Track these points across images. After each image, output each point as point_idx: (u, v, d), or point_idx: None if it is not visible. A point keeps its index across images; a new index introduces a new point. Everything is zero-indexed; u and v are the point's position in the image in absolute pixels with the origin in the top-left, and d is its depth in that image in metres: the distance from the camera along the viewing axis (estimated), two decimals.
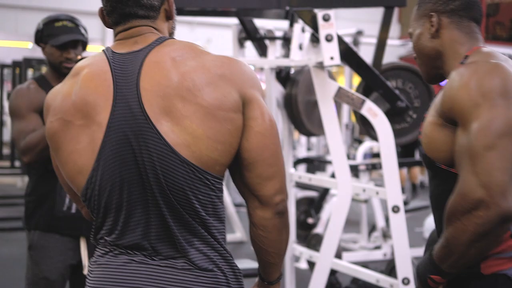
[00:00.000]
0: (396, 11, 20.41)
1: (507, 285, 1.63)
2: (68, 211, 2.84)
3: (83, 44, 2.95)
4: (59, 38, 2.85)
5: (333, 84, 3.76)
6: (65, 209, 2.84)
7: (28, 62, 9.58)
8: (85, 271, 2.89)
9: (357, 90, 3.97)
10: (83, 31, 2.96)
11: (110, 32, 3.70)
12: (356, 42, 7.43)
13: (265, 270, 1.70)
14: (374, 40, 4.07)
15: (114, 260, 1.58)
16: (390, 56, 17.99)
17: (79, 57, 2.83)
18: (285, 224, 1.63)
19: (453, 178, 1.63)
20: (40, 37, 2.91)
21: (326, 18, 3.60)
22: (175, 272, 1.54)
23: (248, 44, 4.94)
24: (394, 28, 19.79)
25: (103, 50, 1.64)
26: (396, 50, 18.42)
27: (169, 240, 1.55)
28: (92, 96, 1.55)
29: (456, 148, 1.60)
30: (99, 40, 15.70)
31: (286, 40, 4.51)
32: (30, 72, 10.03)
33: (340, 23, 16.02)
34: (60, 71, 2.89)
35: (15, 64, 9.92)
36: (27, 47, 15.39)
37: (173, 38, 1.64)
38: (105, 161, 1.53)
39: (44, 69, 10.46)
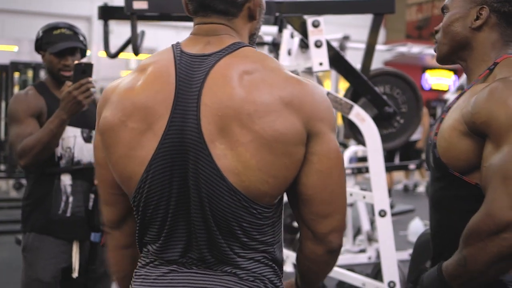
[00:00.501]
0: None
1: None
2: (63, 215, 2.87)
3: (82, 51, 2.97)
4: (57, 46, 2.88)
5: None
6: (60, 212, 2.87)
7: (14, 66, 9.54)
8: (75, 274, 2.93)
9: (345, 95, 4.02)
10: (81, 38, 2.98)
11: (97, 36, 3.72)
12: (342, 47, 7.49)
13: (305, 282, 1.65)
14: (360, 45, 4.13)
15: (154, 271, 1.52)
16: (375, 61, 18.12)
17: (76, 61, 2.85)
18: (335, 260, 1.56)
19: (462, 185, 1.64)
20: (40, 45, 2.95)
21: (315, 25, 3.64)
22: (215, 278, 1.47)
23: None
24: (380, 33, 19.89)
25: (172, 45, 1.53)
26: (382, 55, 18.57)
27: (203, 261, 1.48)
28: (152, 101, 1.44)
29: (484, 165, 1.58)
30: None
31: (275, 46, 4.55)
32: (16, 76, 9.99)
33: (327, 27, 16.08)
34: (58, 79, 2.92)
35: (2, 68, 9.87)
36: (13, 51, 15.36)
37: (250, 46, 1.50)
38: (153, 173, 1.44)
39: (29, 73, 10.44)
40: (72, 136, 2.91)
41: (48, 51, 2.90)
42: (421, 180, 12.38)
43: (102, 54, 3.34)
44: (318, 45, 3.63)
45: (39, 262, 2.87)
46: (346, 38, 7.60)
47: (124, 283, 1.68)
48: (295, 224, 6.13)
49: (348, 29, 8.78)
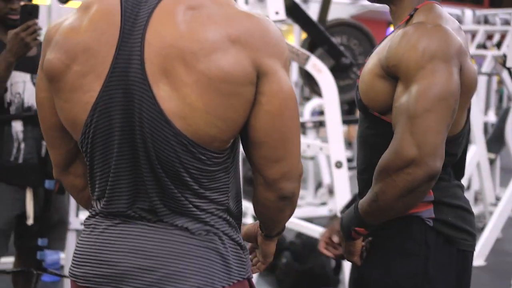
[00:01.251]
0: None
1: (419, 225, 1.74)
2: (15, 161, 2.83)
3: None
4: None
5: None
6: (12, 159, 2.83)
7: None
8: (29, 222, 2.91)
9: (302, 45, 3.99)
10: None
11: None
12: None
13: (264, 227, 1.61)
14: None
15: (103, 221, 1.44)
16: (341, 15, 18.10)
17: (22, 3, 2.79)
18: (291, 205, 1.48)
19: (382, 124, 1.72)
20: None
21: None
22: (165, 232, 1.39)
23: None
24: None
25: None
26: (347, 9, 18.51)
27: (154, 212, 1.39)
28: (96, 42, 1.35)
29: (395, 105, 1.65)
30: None
31: None
32: None
33: None
34: (5, 23, 2.86)
35: None
36: None
37: None
38: (98, 118, 1.36)
39: None
40: (21, 81, 2.86)
41: None
42: None
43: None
44: None
45: None
46: None
47: None
48: None
49: None
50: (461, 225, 1.77)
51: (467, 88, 1.70)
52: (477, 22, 8.89)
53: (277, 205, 1.45)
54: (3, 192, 2.86)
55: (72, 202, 3.51)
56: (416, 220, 1.73)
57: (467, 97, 1.72)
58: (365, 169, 1.83)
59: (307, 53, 3.71)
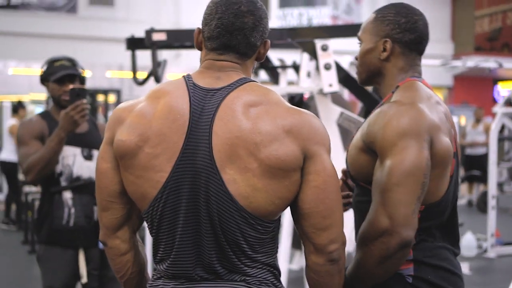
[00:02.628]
0: (448, 29, 20.13)
1: (399, 281, 1.84)
2: (66, 225, 3.21)
3: (80, 79, 3.34)
4: (58, 74, 3.25)
5: (335, 109, 3.97)
6: (64, 223, 3.21)
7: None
8: (83, 280, 3.26)
9: (359, 114, 4.17)
10: (79, 69, 3.34)
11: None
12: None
13: None
14: None
15: (169, 282, 1.69)
16: (445, 75, 17.94)
17: (71, 86, 3.21)
18: (339, 270, 1.68)
19: (368, 193, 1.85)
20: (44, 77, 3.33)
21: (324, 48, 3.84)
22: (227, 284, 1.65)
23: (262, 72, 5.21)
24: (448, 47, 19.68)
25: (184, 78, 1.70)
26: (450, 68, 18.33)
27: (214, 273, 1.65)
28: (168, 129, 1.61)
29: (373, 178, 1.81)
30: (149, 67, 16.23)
31: (296, 68, 4.76)
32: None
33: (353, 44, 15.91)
34: (60, 104, 3.28)
35: None
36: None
37: (254, 81, 1.69)
38: (168, 194, 1.62)
39: (101, 97, 10.98)
40: (72, 154, 3.26)
41: (51, 80, 3.27)
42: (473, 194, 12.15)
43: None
44: (327, 67, 3.81)
45: (49, 271, 3.23)
46: None
47: (128, 284, 1.85)
48: None
49: None
50: (442, 285, 1.86)
51: (441, 160, 1.81)
52: None
53: (327, 269, 1.67)
54: (57, 255, 3.23)
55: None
56: (396, 276, 1.84)
57: (442, 168, 1.83)
58: (357, 232, 1.93)
59: (363, 120, 3.89)
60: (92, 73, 16.09)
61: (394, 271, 1.81)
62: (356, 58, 2.05)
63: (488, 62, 8.62)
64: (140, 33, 4.14)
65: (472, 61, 11.75)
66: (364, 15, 18.28)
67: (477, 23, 19.69)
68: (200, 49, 1.77)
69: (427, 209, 1.83)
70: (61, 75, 3.24)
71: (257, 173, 1.57)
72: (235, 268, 1.66)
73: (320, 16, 17.11)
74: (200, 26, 1.75)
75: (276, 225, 1.70)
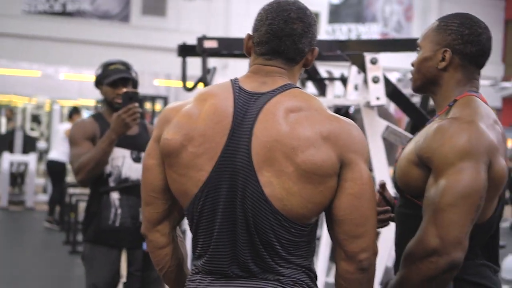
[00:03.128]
0: (499, 50, 19.85)
1: None
2: (112, 225, 3.28)
3: (133, 82, 3.42)
4: (111, 77, 3.35)
5: (381, 123, 3.97)
6: (110, 223, 3.28)
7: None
8: (123, 280, 3.32)
9: (406, 128, 4.17)
10: (133, 72, 3.42)
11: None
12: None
13: None
14: None
15: (206, 277, 1.74)
16: (494, 96, 17.68)
17: (124, 90, 3.28)
18: (368, 279, 1.70)
19: (415, 207, 1.84)
20: (98, 80, 3.42)
21: (373, 61, 3.85)
22: (261, 283, 1.69)
23: (309, 84, 5.23)
24: (498, 68, 19.40)
25: (231, 81, 1.75)
26: (500, 90, 18.07)
27: (248, 271, 1.69)
28: (211, 130, 1.67)
29: (425, 195, 1.78)
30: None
31: (344, 81, 4.77)
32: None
33: (403, 59, 15.67)
34: (113, 107, 3.36)
35: None
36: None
37: (298, 88, 1.73)
38: (208, 192, 1.68)
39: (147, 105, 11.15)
40: (121, 156, 3.32)
41: (105, 83, 3.35)
42: None
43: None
44: (375, 80, 3.82)
45: (93, 269, 3.30)
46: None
47: (167, 277, 1.90)
48: None
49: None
50: None
51: (496, 183, 1.78)
52: None
53: (356, 277, 1.69)
54: (102, 254, 3.30)
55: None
56: None
57: (496, 190, 1.80)
58: (398, 244, 1.94)
59: (410, 135, 3.88)
60: (140, 81, 16.34)
61: None
62: (413, 65, 2.02)
63: None
64: (189, 43, 4.22)
65: None
66: (414, 33, 18.17)
67: None
68: (249, 54, 1.81)
69: (475, 229, 1.79)
70: (115, 79, 3.32)
71: (293, 177, 1.61)
72: (269, 268, 1.69)
73: (370, 32, 17.09)
74: (251, 33, 1.79)
75: (312, 229, 1.72)
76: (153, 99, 10.67)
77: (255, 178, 1.63)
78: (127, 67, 3.42)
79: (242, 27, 16.18)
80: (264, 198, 1.63)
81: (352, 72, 4.52)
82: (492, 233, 1.90)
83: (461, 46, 1.90)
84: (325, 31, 17.37)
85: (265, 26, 1.73)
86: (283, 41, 1.71)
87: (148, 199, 1.83)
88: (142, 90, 13.45)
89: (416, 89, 2.03)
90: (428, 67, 1.95)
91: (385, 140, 4.01)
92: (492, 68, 18.30)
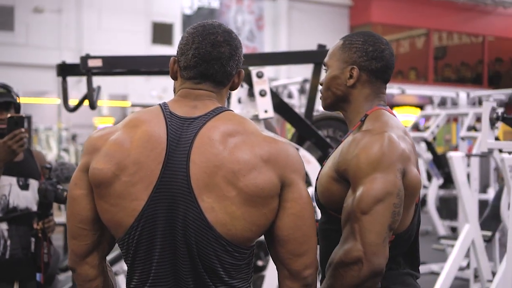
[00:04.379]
0: None
1: None
2: (2, 257, 3.11)
3: (15, 106, 3.24)
4: None
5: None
6: None
7: None
8: None
9: (291, 139, 4.27)
10: (14, 95, 3.23)
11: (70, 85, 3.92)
12: (303, 90, 7.80)
13: None
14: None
15: None
16: None
17: (9, 115, 3.11)
18: None
19: (338, 221, 1.88)
20: None
21: (259, 75, 3.92)
22: None
23: None
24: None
25: (161, 106, 1.72)
26: None
27: None
28: (146, 158, 1.64)
29: (344, 206, 1.84)
30: (55, 92, 15.87)
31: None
32: None
33: (293, 69, 16.24)
34: None
35: None
36: None
37: (230, 110, 1.73)
38: (144, 222, 1.64)
39: None
40: (8, 184, 3.17)
41: None
42: None
43: (74, 102, 3.55)
44: (262, 94, 3.90)
45: None
46: (306, 81, 7.90)
47: None
48: (259, 263, 6.33)
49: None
50: None
51: (411, 191, 1.85)
52: (472, 103, 9.22)
53: None
54: None
55: None
56: None
57: (411, 198, 1.88)
58: (323, 260, 1.98)
59: (296, 146, 3.99)
60: None
61: None
62: (321, 84, 2.07)
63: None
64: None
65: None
66: (266, 42, 18.64)
67: None
68: (175, 78, 1.80)
69: (396, 239, 1.86)
70: None
71: (236, 201, 1.62)
72: None
73: None
74: (176, 55, 1.78)
75: (252, 251, 1.72)
76: None
77: (196, 205, 1.62)
78: (7, 89, 3.24)
79: (94, 40, 15.93)
80: (207, 224, 1.62)
81: None
82: (412, 241, 1.98)
83: (367, 63, 1.98)
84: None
85: (192, 50, 1.72)
86: (211, 65, 1.72)
87: (75, 231, 1.77)
88: None
89: (327, 107, 2.08)
90: (337, 85, 2.01)
91: None
92: None
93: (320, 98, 2.11)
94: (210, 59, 1.71)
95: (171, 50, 16.46)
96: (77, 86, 13.56)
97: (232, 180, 1.61)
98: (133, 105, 17.19)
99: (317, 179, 1.99)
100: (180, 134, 1.66)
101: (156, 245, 1.66)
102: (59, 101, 15.71)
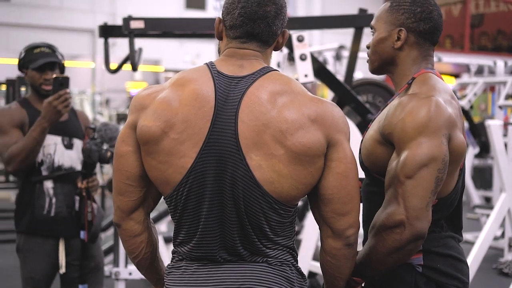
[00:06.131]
0: None
1: (409, 271, 1.90)
2: (47, 215, 3.18)
3: (60, 67, 3.28)
4: (38, 62, 3.19)
5: None
6: (44, 213, 3.18)
7: (21, 80, 9.83)
8: (62, 270, 3.24)
9: None
10: (59, 56, 3.28)
11: (100, 48, 3.99)
12: (338, 56, 7.74)
13: (328, 284, 1.83)
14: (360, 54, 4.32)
15: (192, 264, 1.74)
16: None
17: (54, 75, 3.16)
18: (353, 254, 1.76)
19: (381, 184, 1.89)
20: (22, 64, 3.26)
21: (300, 39, 3.90)
22: (250, 266, 1.71)
23: None
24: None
25: (208, 65, 1.73)
26: None
27: (237, 255, 1.71)
28: (194, 116, 1.65)
29: (388, 169, 1.84)
30: (90, 55, 15.99)
31: None
32: (23, 90, 10.28)
33: (324, 37, 16.15)
34: (40, 93, 3.23)
35: (9, 82, 10.16)
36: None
37: (277, 71, 1.73)
38: (193, 179, 1.66)
39: None
40: (53, 143, 3.22)
41: (30, 67, 3.20)
42: None
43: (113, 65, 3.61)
44: (302, 58, 3.88)
45: (30, 261, 3.19)
46: (341, 47, 7.84)
47: (141, 264, 1.87)
48: None
49: (345, 38, 9.02)
50: (451, 273, 1.92)
51: (455, 156, 1.84)
52: (510, 72, 9.09)
53: (343, 253, 1.73)
54: (38, 245, 3.20)
55: (122, 254, 3.81)
56: (406, 266, 1.89)
57: (456, 164, 1.87)
58: (366, 221, 1.99)
59: None
60: None
61: (404, 262, 1.85)
62: (368, 47, 2.06)
63: None
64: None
65: None
66: (300, 7, 18.50)
67: None
68: (220, 38, 1.81)
69: (439, 203, 1.87)
70: (42, 63, 3.17)
71: (283, 159, 1.63)
72: (257, 250, 1.71)
73: None
74: (220, 16, 1.79)
75: (295, 210, 1.75)
76: None
77: (244, 163, 1.64)
78: (53, 50, 3.27)
79: (127, 4, 15.95)
80: (255, 181, 1.64)
81: None
82: (456, 205, 1.98)
83: (415, 24, 1.96)
84: (212, 7, 17.33)
85: (238, 9, 1.72)
86: (257, 24, 1.71)
87: (122, 187, 1.79)
88: None
89: (374, 70, 2.07)
90: (384, 48, 1.99)
91: None
92: None
93: (367, 62, 2.09)
94: (256, 18, 1.71)
95: (204, 15, 16.44)
96: (112, 50, 13.68)
97: (280, 139, 1.63)
98: (166, 70, 17.26)
99: (361, 142, 2.00)
100: (228, 92, 1.67)
101: (204, 201, 1.68)
102: (93, 64, 15.86)
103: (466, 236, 7.45)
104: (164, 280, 1.80)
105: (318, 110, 1.68)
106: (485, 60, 10.17)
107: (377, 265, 1.84)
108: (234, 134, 1.64)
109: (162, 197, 1.80)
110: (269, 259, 1.72)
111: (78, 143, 3.29)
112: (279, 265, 1.73)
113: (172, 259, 1.81)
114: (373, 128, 1.94)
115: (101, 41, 4.11)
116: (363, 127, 4.18)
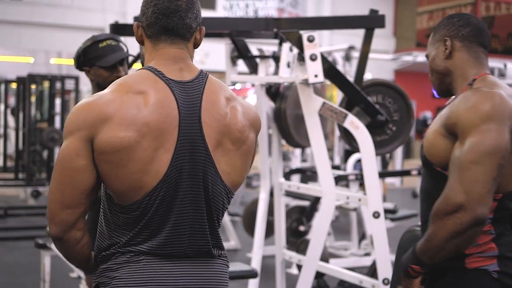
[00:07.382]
0: (391, 25, 20.49)
1: (485, 277, 1.94)
2: None
3: (126, 59, 2.96)
4: (108, 59, 2.85)
5: (318, 99, 4.05)
6: None
7: (32, 78, 9.89)
8: None
9: (340, 104, 4.26)
10: (124, 48, 2.96)
11: None
12: (348, 57, 7.73)
13: None
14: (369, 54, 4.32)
15: (157, 261, 1.81)
16: (386, 70, 18.32)
17: (122, 73, 2.87)
18: None
19: (444, 179, 1.93)
20: (83, 61, 2.90)
21: (310, 39, 3.90)
22: (214, 263, 1.89)
23: (240, 62, 5.23)
24: (390, 42, 20.11)
25: (153, 72, 1.76)
26: (391, 64, 18.74)
27: (206, 250, 1.86)
28: (163, 124, 1.74)
29: (451, 157, 1.91)
30: None
31: (276, 59, 4.80)
32: (33, 88, 10.32)
33: (334, 37, 16.10)
34: None
35: (19, 80, 10.21)
36: (29, 62, 15.73)
37: (206, 72, 1.87)
38: (169, 182, 1.77)
39: (45, 84, 10.75)
40: None
41: (98, 65, 2.86)
42: None
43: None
44: (313, 58, 3.88)
45: None
46: (351, 48, 7.82)
47: (82, 261, 1.90)
48: (301, 228, 6.38)
49: (356, 38, 9.02)
50: None
51: None
52: None
53: None
54: None
55: None
56: (482, 272, 1.93)
57: None
58: (425, 222, 2.02)
59: (345, 111, 3.99)
60: (36, 59, 15.83)
61: (464, 249, 1.90)
62: (431, 75, 2.18)
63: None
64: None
65: (412, 56, 12.09)
66: (309, 8, 18.48)
67: (418, 20, 20.17)
68: (141, 43, 1.88)
69: (504, 198, 1.91)
70: (114, 62, 2.83)
71: (237, 155, 1.86)
72: (217, 243, 1.91)
73: (266, 8, 17.18)
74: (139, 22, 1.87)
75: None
76: (62, 79, 10.21)
77: (211, 160, 1.81)
78: (117, 41, 2.91)
79: (138, 3, 15.91)
80: (219, 175, 1.83)
81: (284, 50, 4.56)
82: None
83: (456, 31, 2.10)
84: (222, 7, 17.33)
85: (151, 7, 1.82)
86: (171, 18, 1.80)
87: (75, 201, 1.79)
88: (37, 69, 13.16)
89: (439, 91, 2.20)
90: (437, 62, 2.14)
91: (320, 116, 4.09)
92: (384, 43, 18.95)
93: (433, 89, 2.22)
94: (169, 13, 1.80)
95: (213, 15, 16.44)
96: None
97: (235, 137, 1.84)
98: None
99: (423, 137, 2.08)
100: (185, 98, 1.79)
101: (175, 202, 1.79)
102: None
103: None
104: (115, 274, 1.81)
105: (251, 112, 1.92)
106: (495, 63, 10.11)
107: (436, 252, 1.89)
108: (201, 136, 1.79)
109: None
110: (222, 252, 1.92)
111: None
112: (227, 258, 1.96)
113: (122, 254, 1.82)
114: (435, 122, 2.03)
115: None
116: (373, 128, 4.18)
